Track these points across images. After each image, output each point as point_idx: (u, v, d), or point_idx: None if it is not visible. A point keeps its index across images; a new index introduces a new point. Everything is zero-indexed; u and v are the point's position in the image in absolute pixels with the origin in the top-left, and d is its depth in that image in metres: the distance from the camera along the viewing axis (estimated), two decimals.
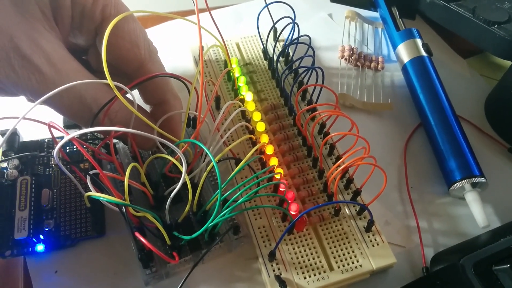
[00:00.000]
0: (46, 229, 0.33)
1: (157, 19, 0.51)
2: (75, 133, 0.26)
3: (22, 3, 0.26)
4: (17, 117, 0.26)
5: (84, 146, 0.30)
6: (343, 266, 0.32)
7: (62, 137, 0.37)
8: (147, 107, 0.35)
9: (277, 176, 0.34)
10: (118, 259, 0.34)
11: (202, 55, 0.31)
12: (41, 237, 0.33)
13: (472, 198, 0.37)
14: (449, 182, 0.39)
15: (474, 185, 0.37)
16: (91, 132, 0.36)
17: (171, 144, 0.27)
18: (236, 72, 0.42)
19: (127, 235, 0.33)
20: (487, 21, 0.44)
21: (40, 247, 0.33)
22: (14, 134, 0.37)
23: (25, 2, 0.27)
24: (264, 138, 0.37)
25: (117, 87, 0.26)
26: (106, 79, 0.26)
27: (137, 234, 0.28)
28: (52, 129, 0.28)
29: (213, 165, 0.28)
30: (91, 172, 0.28)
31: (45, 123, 0.28)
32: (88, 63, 0.34)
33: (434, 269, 0.33)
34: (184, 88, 0.33)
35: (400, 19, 0.50)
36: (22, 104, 0.32)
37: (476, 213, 0.37)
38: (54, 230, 0.34)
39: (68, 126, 0.38)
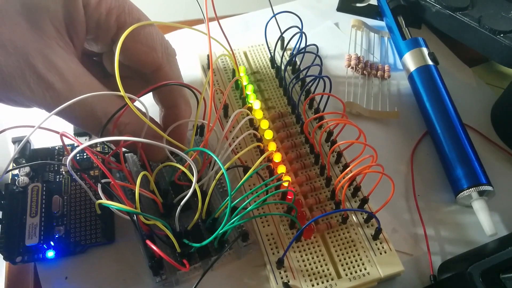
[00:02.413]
0: (56, 236, 0.34)
1: (166, 27, 0.51)
2: (87, 142, 0.26)
3: (36, 22, 0.27)
4: (32, 126, 0.27)
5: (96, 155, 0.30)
6: (351, 273, 0.33)
7: (72, 145, 0.37)
8: (156, 114, 0.36)
9: (285, 184, 0.35)
10: (127, 266, 0.34)
11: (212, 65, 0.31)
12: (52, 243, 0.33)
13: (479, 206, 0.37)
14: (456, 190, 0.39)
15: (481, 193, 0.38)
16: (102, 142, 0.36)
17: (181, 153, 0.28)
18: (244, 81, 0.42)
19: (136, 242, 0.34)
20: (493, 30, 0.45)
21: (50, 254, 0.33)
22: (26, 141, 0.38)
23: (40, 21, 0.27)
24: (272, 146, 0.38)
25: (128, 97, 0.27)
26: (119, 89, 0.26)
27: (148, 242, 0.28)
28: (63, 137, 0.28)
29: (222, 173, 0.28)
30: (102, 181, 0.29)
31: (57, 132, 0.28)
32: (101, 66, 0.35)
33: (442, 277, 0.34)
34: (193, 95, 0.34)
35: (406, 28, 0.51)
36: (33, 113, 0.33)
37: (484, 221, 0.37)
38: (64, 236, 0.34)
39: (78, 133, 0.39)
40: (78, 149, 0.26)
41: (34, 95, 0.27)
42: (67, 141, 0.29)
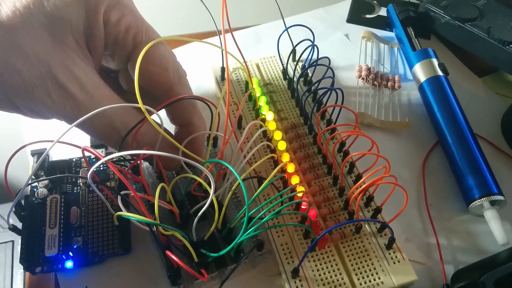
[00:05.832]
0: (74, 246, 0.34)
1: (178, 41, 0.52)
2: (108, 156, 0.27)
3: (59, 35, 0.28)
4: (51, 141, 0.28)
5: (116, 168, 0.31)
6: (365, 283, 0.33)
7: (89, 157, 0.38)
8: (172, 127, 0.36)
9: (299, 195, 0.35)
10: (144, 275, 0.35)
11: (229, 81, 0.32)
12: (70, 254, 0.34)
13: (491, 216, 0.38)
14: (468, 200, 0.39)
15: (493, 203, 0.38)
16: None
17: (198, 165, 0.28)
18: (257, 92, 0.43)
19: (152, 252, 0.35)
20: (502, 41, 0.45)
21: (69, 264, 0.34)
22: (45, 156, 0.38)
23: (62, 33, 0.28)
24: (285, 157, 0.38)
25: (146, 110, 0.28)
26: (136, 102, 0.27)
27: (168, 252, 0.29)
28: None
29: (238, 184, 0.29)
30: (122, 193, 0.29)
31: (79, 147, 0.29)
32: (118, 82, 0.35)
33: (455, 286, 0.34)
34: (207, 107, 0.34)
35: (415, 39, 0.51)
36: (52, 126, 0.33)
37: (496, 231, 0.37)
38: (83, 247, 0.34)
39: (95, 146, 0.39)
40: (99, 162, 0.27)
41: (55, 105, 0.28)
42: (78, 152, 0.30)
